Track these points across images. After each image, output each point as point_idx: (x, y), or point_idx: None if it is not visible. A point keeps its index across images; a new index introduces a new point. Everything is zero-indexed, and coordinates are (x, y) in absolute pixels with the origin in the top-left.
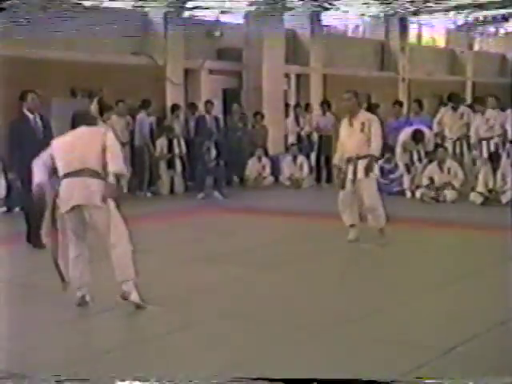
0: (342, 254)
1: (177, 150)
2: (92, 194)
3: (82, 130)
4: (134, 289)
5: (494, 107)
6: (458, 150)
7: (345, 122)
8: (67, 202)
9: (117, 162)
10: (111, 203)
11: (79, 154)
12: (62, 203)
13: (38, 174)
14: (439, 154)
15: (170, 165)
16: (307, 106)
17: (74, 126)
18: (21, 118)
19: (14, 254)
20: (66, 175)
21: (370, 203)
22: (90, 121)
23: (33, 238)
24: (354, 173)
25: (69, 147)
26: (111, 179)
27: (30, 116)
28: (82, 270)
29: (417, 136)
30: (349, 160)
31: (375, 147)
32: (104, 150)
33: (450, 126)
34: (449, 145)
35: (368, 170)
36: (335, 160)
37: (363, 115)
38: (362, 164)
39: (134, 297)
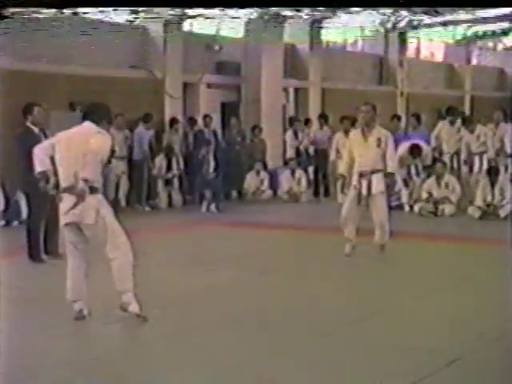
0: (341, 267)
1: (175, 169)
2: (84, 211)
3: (83, 128)
4: (133, 299)
5: (499, 121)
6: (455, 165)
7: (357, 135)
8: (63, 218)
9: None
10: (107, 216)
11: (72, 166)
12: (61, 217)
13: (42, 162)
14: (437, 169)
15: (168, 181)
16: (307, 121)
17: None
18: (26, 131)
19: (14, 266)
20: (64, 189)
21: (380, 219)
22: (97, 116)
23: (33, 252)
24: (369, 188)
25: (65, 152)
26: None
27: (35, 129)
28: (78, 282)
29: (414, 151)
30: (362, 174)
31: (394, 164)
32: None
33: (447, 140)
34: (446, 159)
35: (390, 187)
36: (341, 170)
37: (378, 130)
38: (376, 179)
39: (133, 307)
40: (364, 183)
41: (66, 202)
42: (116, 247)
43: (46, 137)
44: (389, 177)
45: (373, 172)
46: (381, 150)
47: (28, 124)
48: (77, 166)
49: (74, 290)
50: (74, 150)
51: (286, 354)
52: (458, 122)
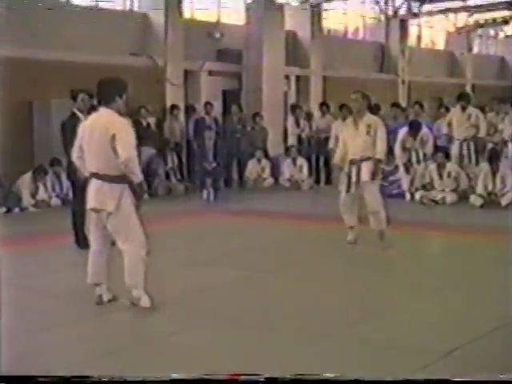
0: (342, 256)
1: (170, 163)
2: (106, 199)
3: (100, 115)
4: (143, 294)
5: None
6: (464, 152)
7: (349, 123)
8: (87, 202)
9: (126, 149)
10: (127, 207)
11: (93, 154)
12: (87, 201)
13: (75, 149)
14: (439, 159)
15: (167, 174)
16: (308, 115)
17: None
18: (71, 117)
19: (16, 255)
20: (90, 174)
21: (373, 206)
22: (109, 97)
23: (79, 238)
24: (358, 175)
25: (87, 140)
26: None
27: (80, 115)
28: (99, 267)
29: (413, 126)
30: (352, 162)
31: (381, 150)
32: (113, 143)
33: (457, 127)
34: (455, 146)
35: (375, 173)
36: (336, 159)
37: (369, 117)
38: (365, 166)
39: (144, 302)
40: (354, 171)
41: (92, 187)
42: (129, 240)
43: None
44: (376, 163)
45: (362, 159)
46: (371, 138)
47: (74, 110)
48: (96, 154)
49: (95, 274)
50: (95, 137)
51: (288, 353)
52: (470, 108)
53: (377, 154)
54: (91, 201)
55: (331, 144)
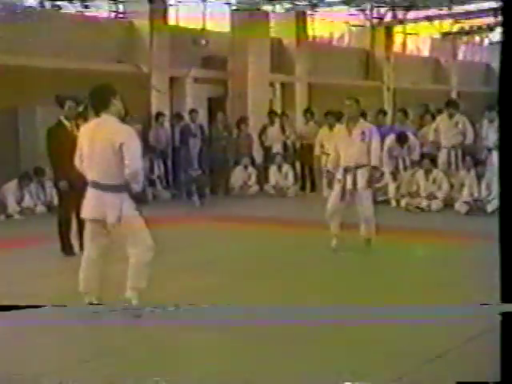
0: (327, 262)
1: (156, 171)
2: (106, 209)
3: (101, 122)
4: (136, 297)
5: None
6: (452, 159)
7: (341, 129)
8: (84, 212)
9: (134, 160)
10: (129, 213)
11: (95, 163)
12: (83, 210)
13: (78, 159)
14: (425, 166)
15: (151, 182)
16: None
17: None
18: (58, 125)
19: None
20: (88, 182)
21: (366, 214)
22: (105, 101)
23: (64, 245)
24: (354, 183)
25: (87, 149)
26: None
27: (67, 123)
28: (90, 275)
29: (401, 138)
30: (346, 169)
31: (376, 157)
32: (120, 153)
33: (444, 134)
34: (443, 153)
35: (371, 181)
36: (328, 166)
37: (362, 124)
38: (361, 174)
39: (135, 303)
40: (349, 178)
41: (90, 196)
42: (134, 244)
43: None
44: (373, 170)
45: (357, 167)
46: (365, 145)
47: (60, 118)
48: (98, 162)
49: (85, 282)
50: (98, 146)
51: (274, 356)
52: (457, 115)
53: (373, 161)
54: (91, 211)
55: (317, 151)
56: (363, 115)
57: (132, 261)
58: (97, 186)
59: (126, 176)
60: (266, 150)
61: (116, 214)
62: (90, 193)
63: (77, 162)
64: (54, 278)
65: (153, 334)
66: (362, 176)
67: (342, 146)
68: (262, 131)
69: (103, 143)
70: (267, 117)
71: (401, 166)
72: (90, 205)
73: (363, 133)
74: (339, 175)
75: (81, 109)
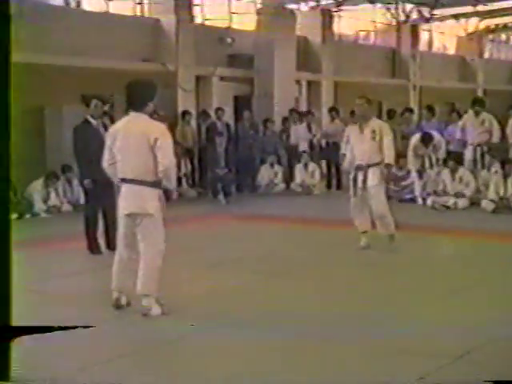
0: (353, 260)
1: (183, 170)
2: (145, 202)
3: (133, 120)
4: (154, 303)
5: None
6: (478, 157)
7: (355, 128)
8: (121, 209)
9: (168, 156)
10: (159, 214)
11: (130, 160)
12: (119, 207)
13: (105, 156)
14: (451, 164)
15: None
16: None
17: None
18: (84, 124)
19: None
20: (122, 180)
21: (378, 210)
22: (142, 101)
23: (91, 244)
24: (364, 180)
25: (120, 146)
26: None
27: (93, 122)
28: (123, 275)
29: (425, 138)
30: (358, 168)
31: (389, 155)
32: (153, 151)
33: (470, 132)
34: (469, 151)
35: (382, 178)
36: (345, 165)
37: (374, 122)
38: (372, 172)
39: (155, 311)
40: (360, 176)
41: (126, 193)
42: (151, 245)
43: (106, 129)
44: (386, 167)
45: (369, 165)
46: (376, 143)
47: (87, 116)
48: (135, 159)
49: (120, 282)
50: (133, 143)
51: (299, 356)
52: (483, 113)
53: (385, 158)
54: (128, 206)
55: (343, 149)
56: (394, 113)
57: (141, 265)
58: (132, 182)
59: (160, 173)
60: (291, 149)
61: (155, 206)
62: (126, 189)
63: (105, 162)
64: (80, 277)
65: None
66: (372, 173)
67: (356, 145)
68: (284, 130)
69: (138, 139)
70: (289, 115)
71: (427, 165)
72: (126, 200)
73: (374, 131)
74: (352, 173)
75: (107, 108)
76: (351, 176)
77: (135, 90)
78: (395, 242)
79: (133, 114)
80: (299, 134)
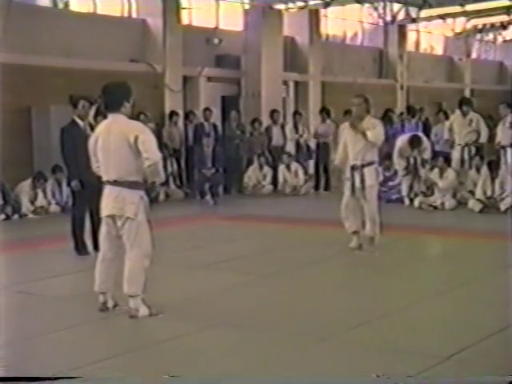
0: (341, 261)
1: (170, 169)
2: (125, 205)
3: (112, 122)
4: (141, 304)
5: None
6: (465, 157)
7: (347, 128)
8: (103, 210)
9: (153, 152)
10: (142, 215)
11: (112, 162)
12: (101, 208)
13: (94, 161)
14: (440, 164)
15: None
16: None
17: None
18: (71, 124)
19: (15, 260)
20: (106, 182)
21: (372, 211)
22: (118, 102)
23: (78, 244)
24: (362, 180)
25: (101, 149)
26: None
27: (80, 123)
28: (108, 275)
29: (414, 141)
30: (354, 167)
31: (373, 135)
32: (135, 147)
33: (458, 132)
34: (456, 151)
35: (377, 178)
36: (336, 162)
37: (368, 121)
38: (368, 172)
39: (143, 312)
40: (357, 176)
41: (108, 194)
42: (136, 247)
43: (92, 130)
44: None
45: (364, 165)
46: (370, 142)
47: (74, 117)
48: (116, 160)
49: (103, 283)
50: (113, 144)
51: (288, 355)
52: (471, 113)
53: (369, 137)
54: (109, 208)
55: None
56: (387, 113)
57: (127, 266)
58: (115, 183)
59: (146, 170)
60: (275, 150)
61: (134, 209)
62: (108, 191)
63: (93, 165)
64: (66, 277)
65: None
66: (369, 174)
67: (350, 144)
68: (267, 130)
69: (118, 139)
70: (269, 116)
71: (412, 165)
72: (108, 202)
73: (367, 129)
74: (347, 173)
75: (94, 108)
76: (347, 176)
77: (110, 92)
78: (374, 245)
79: (111, 116)
80: (279, 136)
